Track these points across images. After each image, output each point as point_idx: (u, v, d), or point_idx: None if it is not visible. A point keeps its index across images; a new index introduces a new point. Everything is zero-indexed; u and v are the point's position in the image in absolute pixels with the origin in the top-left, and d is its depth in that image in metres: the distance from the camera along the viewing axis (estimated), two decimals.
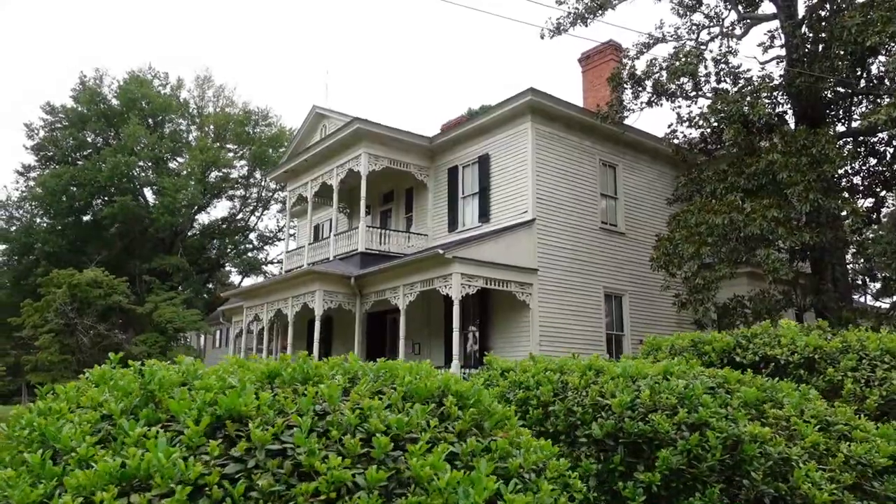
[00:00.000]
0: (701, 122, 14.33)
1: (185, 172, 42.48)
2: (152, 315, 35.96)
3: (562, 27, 16.51)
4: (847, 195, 15.97)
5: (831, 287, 13.84)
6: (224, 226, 48.97)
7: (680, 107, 15.68)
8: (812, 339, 6.19)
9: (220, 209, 57.07)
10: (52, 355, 33.63)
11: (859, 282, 15.31)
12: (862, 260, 14.47)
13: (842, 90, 15.45)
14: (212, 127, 48.17)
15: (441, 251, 14.73)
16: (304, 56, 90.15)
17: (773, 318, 12.67)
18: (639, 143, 19.17)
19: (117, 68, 68.23)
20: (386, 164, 19.45)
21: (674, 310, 16.18)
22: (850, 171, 16.43)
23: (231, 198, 49.49)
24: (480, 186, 18.47)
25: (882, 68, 12.62)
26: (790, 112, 15.33)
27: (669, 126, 15.46)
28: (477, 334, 17.59)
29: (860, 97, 14.28)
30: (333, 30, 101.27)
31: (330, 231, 20.78)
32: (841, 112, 15.10)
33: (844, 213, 12.33)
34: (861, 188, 16.38)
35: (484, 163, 18.42)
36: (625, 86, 15.65)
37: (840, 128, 15.24)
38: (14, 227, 39.80)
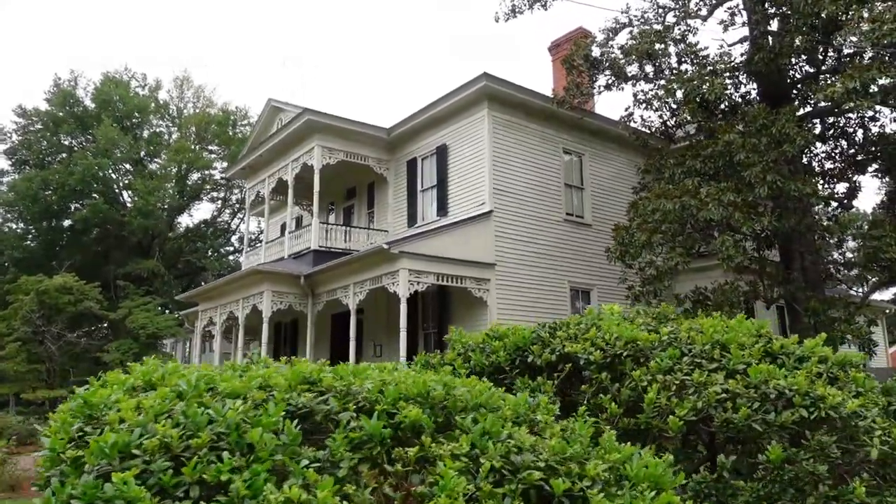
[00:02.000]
0: (656, 104, 13.49)
1: (161, 174, 41.59)
2: (125, 321, 35.12)
3: (517, 9, 15.68)
4: (819, 179, 15.16)
5: (799, 276, 13.01)
6: (206, 228, 48.11)
7: (642, 91, 14.84)
8: (624, 329, 4.90)
9: (203, 211, 55.97)
10: (18, 365, 32.73)
11: (834, 270, 14.46)
12: (835, 248, 13.63)
13: (811, 70, 14.63)
14: (193, 128, 47.32)
15: (385, 246, 13.89)
16: (282, 52, 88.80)
17: (734, 311, 11.84)
18: (605, 131, 18.31)
19: (91, 70, 67.21)
20: (341, 157, 18.62)
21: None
22: (822, 154, 15.62)
23: (213, 200, 48.64)
24: (438, 179, 17.65)
25: (852, 43, 11.78)
26: (756, 94, 14.50)
27: (627, 109, 14.63)
28: (435, 335, 16.73)
29: (828, 76, 13.45)
30: (307, 24, 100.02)
31: (286, 229, 19.92)
32: (810, 92, 14.25)
33: (814, 197, 11.49)
34: (835, 172, 15.56)
35: (442, 154, 17.60)
36: (580, 69, 14.79)
37: (809, 109, 14.39)
38: None
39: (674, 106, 13.24)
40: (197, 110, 48.13)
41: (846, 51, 14.20)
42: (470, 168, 16.63)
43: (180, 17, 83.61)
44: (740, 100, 14.40)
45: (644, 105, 13.69)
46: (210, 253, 46.77)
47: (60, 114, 41.72)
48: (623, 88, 15.62)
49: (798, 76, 14.80)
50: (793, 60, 13.63)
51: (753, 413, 3.97)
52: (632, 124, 15.13)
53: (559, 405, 3.95)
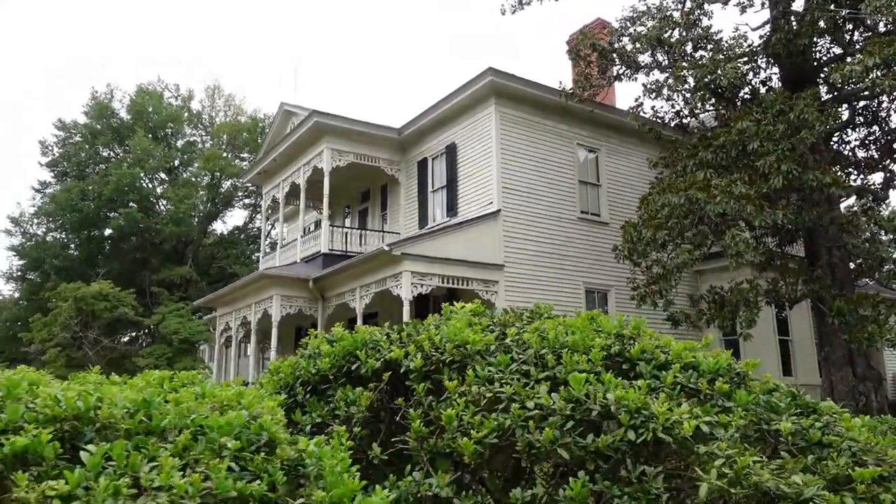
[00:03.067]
0: (666, 93, 12.75)
1: (192, 182, 42.26)
2: (159, 326, 35.72)
3: (524, 0, 15.12)
4: (851, 169, 14.17)
5: (826, 273, 12.09)
6: (238, 234, 48.73)
7: (655, 80, 14.07)
8: (452, 329, 4.06)
9: (236, 218, 56.63)
10: (58, 370, 33.58)
11: (866, 267, 13.41)
12: (867, 243, 12.61)
13: (839, 51, 13.66)
14: (225, 136, 48.03)
15: (387, 248, 13.51)
16: (275, 53, 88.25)
17: (752, 313, 11.07)
18: (623, 126, 17.51)
19: (78, 71, 68.58)
20: (351, 159, 18.34)
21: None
22: (854, 143, 14.59)
23: (245, 206, 49.23)
24: (448, 179, 17.20)
25: (870, 14, 10.81)
26: (778, 79, 13.61)
27: (637, 99, 13.91)
28: None
29: (854, 56, 12.48)
30: (301, 25, 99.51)
31: (300, 233, 19.74)
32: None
33: (834, 187, 10.58)
34: (869, 161, 14.51)
35: (451, 153, 17.14)
36: (588, 59, 14.13)
37: (836, 93, 13.41)
38: (27, 243, 40.19)
39: (687, 95, 12.49)
40: (228, 118, 48.84)
41: (881, 28, 13.21)
42: (478, 167, 16.14)
43: (177, 17, 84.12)
44: (760, 86, 13.54)
45: (654, 94, 12.95)
46: (241, 258, 47.33)
47: (98, 126, 42.82)
48: (636, 79, 14.90)
49: (825, 58, 13.86)
50: (816, 41, 12.72)
51: (563, 434, 3.12)
52: (642, 114, 14.35)
53: (386, 422, 3.34)
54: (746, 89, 13.05)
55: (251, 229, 48.69)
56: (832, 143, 12.68)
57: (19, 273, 39.91)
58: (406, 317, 13.69)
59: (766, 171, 10.16)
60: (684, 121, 13.77)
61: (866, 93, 12.35)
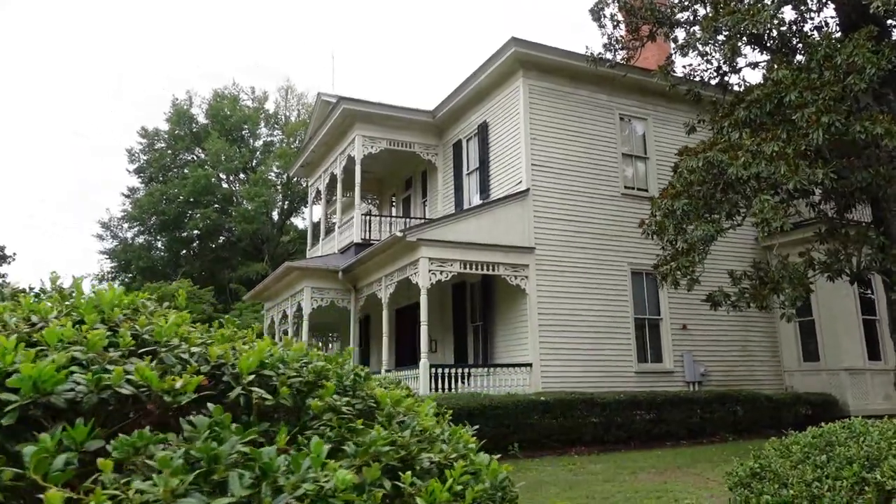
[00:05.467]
0: (701, 47, 11.27)
1: (265, 180, 43.38)
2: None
3: None
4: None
5: (894, 241, 10.34)
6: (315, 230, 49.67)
7: (693, 34, 12.55)
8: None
9: (316, 213, 57.72)
10: None
11: None
12: None
13: None
14: (299, 134, 49.08)
15: (400, 233, 12.86)
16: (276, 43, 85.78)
17: (798, 289, 9.59)
18: (674, 92, 15.97)
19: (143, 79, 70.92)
20: (384, 145, 17.82)
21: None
22: None
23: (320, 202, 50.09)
24: (480, 160, 16.34)
25: None
26: (836, 25, 11.78)
27: (668, 58, 12.44)
28: (482, 329, 15.46)
29: None
30: (359, 15, 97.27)
31: (338, 224, 19.43)
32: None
33: (887, 138, 8.90)
34: None
35: (483, 132, 16.26)
36: (614, 18, 12.80)
37: None
38: (116, 246, 42.66)
39: (724, 48, 10.98)
40: (302, 117, 49.82)
41: None
42: (508, 144, 15.18)
43: (196, 15, 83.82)
44: (816, 33, 11.78)
45: (685, 50, 11.48)
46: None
47: (178, 131, 44.83)
48: (676, 38, 13.40)
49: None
50: None
51: None
52: (673, 75, 12.86)
53: None
54: (795, 37, 11.37)
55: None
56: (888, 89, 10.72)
57: (111, 275, 42.39)
58: (423, 307, 13.04)
59: (804, 125, 8.68)
60: (725, 79, 12.22)
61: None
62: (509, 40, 14.36)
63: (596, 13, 12.63)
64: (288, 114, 50.63)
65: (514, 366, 13.45)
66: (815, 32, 11.76)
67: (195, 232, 43.51)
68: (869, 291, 16.20)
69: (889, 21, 10.68)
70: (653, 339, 15.15)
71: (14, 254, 39.95)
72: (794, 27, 12.17)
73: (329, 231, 20.54)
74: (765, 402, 13.75)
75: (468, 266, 13.39)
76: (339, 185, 18.89)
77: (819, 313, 15.78)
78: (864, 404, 14.65)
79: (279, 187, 45.56)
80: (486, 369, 13.53)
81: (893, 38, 11.18)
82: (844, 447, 3.40)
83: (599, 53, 13.38)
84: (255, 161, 46.96)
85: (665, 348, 15.12)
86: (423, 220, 17.10)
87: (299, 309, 16.69)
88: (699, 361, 15.27)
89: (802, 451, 3.59)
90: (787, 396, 14.37)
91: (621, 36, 13.45)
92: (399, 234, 12.82)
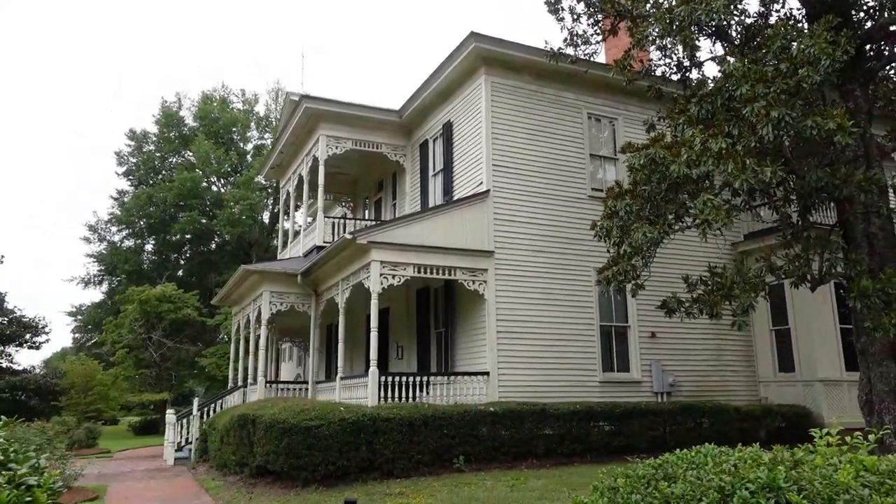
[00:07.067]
0: (657, 41, 10.71)
1: (252, 184, 42.93)
2: (219, 327, 36.39)
3: None
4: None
5: (863, 246, 9.75)
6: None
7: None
8: None
9: (298, 217, 57.42)
10: (126, 370, 34.99)
11: None
12: None
13: None
14: None
15: (349, 236, 12.33)
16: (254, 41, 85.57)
17: (749, 295, 9.02)
18: (643, 90, 15.44)
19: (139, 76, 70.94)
20: (350, 146, 17.32)
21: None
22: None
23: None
24: (445, 160, 15.82)
25: None
26: (802, 16, 11.23)
27: (626, 53, 11.89)
28: (445, 336, 14.90)
29: None
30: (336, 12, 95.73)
31: (303, 228, 18.93)
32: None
33: (839, 134, 8.31)
34: None
35: (448, 132, 15.75)
36: (573, 11, 12.26)
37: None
38: (104, 249, 42.25)
39: (677, 39, 10.42)
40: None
41: None
42: (471, 144, 14.66)
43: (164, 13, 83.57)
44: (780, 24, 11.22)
45: (640, 43, 10.92)
46: None
47: (166, 134, 44.46)
48: (646, 34, 12.82)
49: None
50: None
51: None
52: (630, 69, 12.29)
53: None
54: (716, 24, 10.79)
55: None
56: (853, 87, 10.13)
57: (98, 279, 41.99)
58: (374, 314, 12.51)
59: (753, 120, 8.12)
60: (687, 74, 11.67)
61: None
62: (469, 35, 13.85)
63: (552, 5, 12.11)
64: (278, 116, 50.26)
65: (472, 374, 12.89)
66: (779, 23, 11.21)
67: (179, 236, 43.08)
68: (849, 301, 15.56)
69: (853, 11, 10.12)
70: (620, 348, 14.56)
71: (2, 256, 39.58)
72: (761, 20, 11.66)
73: (297, 234, 20.02)
74: (733, 414, 13.14)
75: (423, 270, 12.85)
76: (305, 187, 18.39)
77: (795, 322, 15.16)
78: (839, 417, 14.00)
79: (270, 190, 45.13)
80: (445, 378, 12.96)
81: (864, 28, 10.63)
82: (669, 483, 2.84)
83: (560, 48, 12.85)
84: (244, 164, 46.54)
85: (633, 357, 14.51)
86: (376, 222, 16.58)
87: (260, 314, 16.17)
88: (669, 371, 14.66)
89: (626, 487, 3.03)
90: (758, 409, 13.75)
91: (584, 31, 12.92)
92: (348, 236, 12.30)
